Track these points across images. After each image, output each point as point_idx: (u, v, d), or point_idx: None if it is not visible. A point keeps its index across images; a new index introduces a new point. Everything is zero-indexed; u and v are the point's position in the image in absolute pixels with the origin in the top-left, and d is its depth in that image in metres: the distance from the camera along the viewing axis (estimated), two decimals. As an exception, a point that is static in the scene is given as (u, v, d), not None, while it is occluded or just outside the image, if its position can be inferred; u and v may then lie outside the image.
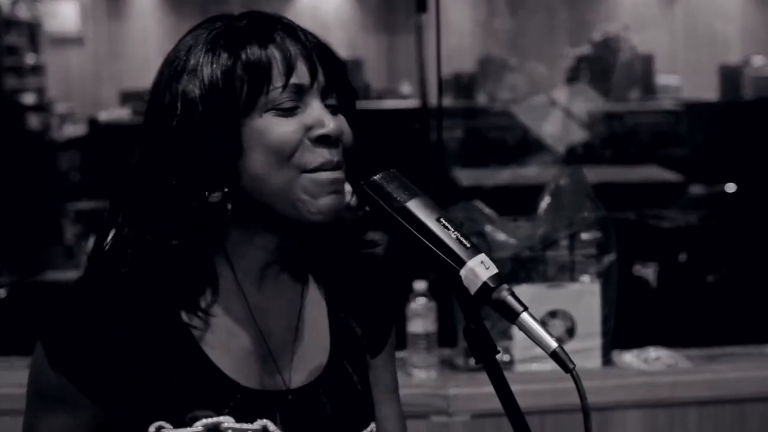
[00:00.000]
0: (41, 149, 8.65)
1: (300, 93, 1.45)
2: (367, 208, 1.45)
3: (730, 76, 7.45)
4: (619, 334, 3.11)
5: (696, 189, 5.48)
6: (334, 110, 1.50)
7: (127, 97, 9.81)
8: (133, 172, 1.48)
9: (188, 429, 1.46)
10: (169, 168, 1.44)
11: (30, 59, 10.55)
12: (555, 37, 8.64)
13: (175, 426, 1.46)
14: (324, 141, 1.46)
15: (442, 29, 3.66)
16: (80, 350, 1.45)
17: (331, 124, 1.46)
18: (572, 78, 6.68)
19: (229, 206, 1.45)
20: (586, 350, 3.01)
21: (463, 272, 1.38)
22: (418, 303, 2.94)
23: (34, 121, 9.46)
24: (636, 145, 6.26)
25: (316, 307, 1.61)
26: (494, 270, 1.39)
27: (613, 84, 6.76)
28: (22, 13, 10.59)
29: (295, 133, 1.44)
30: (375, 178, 1.44)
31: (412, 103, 7.76)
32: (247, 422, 1.49)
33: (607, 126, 6.09)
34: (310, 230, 1.51)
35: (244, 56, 1.44)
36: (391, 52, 11.63)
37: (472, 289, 1.38)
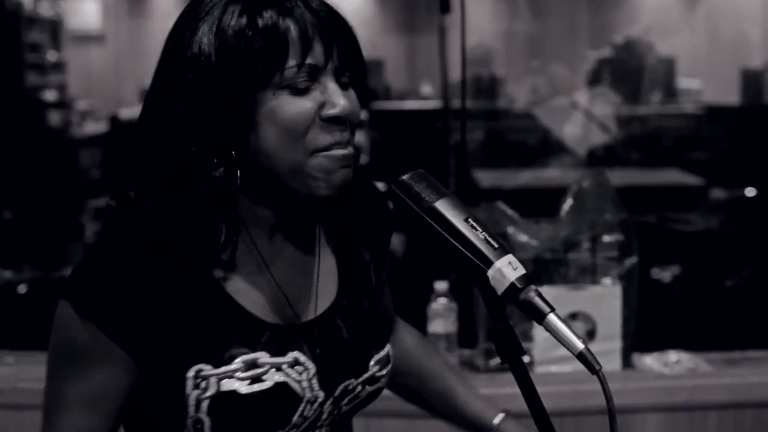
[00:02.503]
0: (62, 146, 8.68)
1: (314, 73, 1.47)
2: (394, 207, 1.47)
3: (752, 80, 7.43)
4: (640, 336, 3.10)
5: (717, 193, 5.46)
6: (346, 86, 1.52)
7: (148, 95, 9.81)
8: (139, 134, 1.50)
9: (229, 367, 1.48)
10: (179, 131, 1.46)
11: (51, 56, 10.60)
12: (576, 39, 8.63)
13: (215, 366, 1.48)
14: (335, 121, 1.48)
15: (466, 31, 3.66)
16: (108, 297, 1.44)
17: (341, 102, 1.48)
18: (594, 81, 6.67)
19: (239, 174, 1.47)
20: (607, 352, 3.00)
21: (490, 273, 1.38)
22: (439, 303, 2.95)
23: (55, 118, 9.50)
24: (657, 149, 6.25)
25: (325, 249, 1.66)
26: (522, 271, 1.39)
27: (641, 88, 6.74)
28: (44, 10, 10.64)
29: (307, 113, 1.46)
30: (403, 178, 1.44)
31: (433, 104, 7.76)
32: (279, 356, 1.52)
33: (629, 129, 6.08)
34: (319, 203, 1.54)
35: (260, 22, 1.44)
36: (411, 53, 11.63)
37: (500, 290, 1.38)
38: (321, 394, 1.55)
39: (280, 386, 1.51)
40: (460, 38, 3.56)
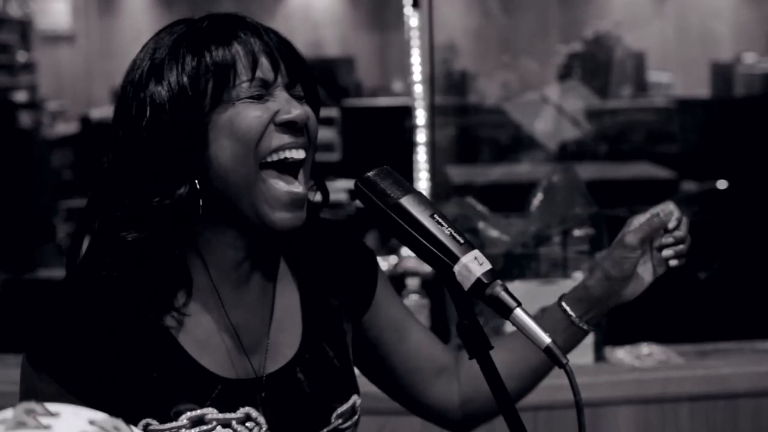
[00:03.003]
0: (33, 147, 8.63)
1: (266, 86, 1.49)
2: (361, 204, 1.47)
3: (722, 74, 7.46)
4: (612, 330, 3.10)
5: (688, 186, 5.47)
6: (300, 99, 1.53)
7: (119, 95, 9.78)
8: (105, 174, 1.51)
9: (174, 423, 1.48)
10: (139, 168, 1.47)
11: (21, 57, 10.54)
12: (547, 34, 8.64)
13: (161, 422, 1.48)
14: (289, 126, 1.49)
15: (434, 27, 3.66)
16: (61, 348, 1.47)
17: (296, 110, 1.49)
18: (564, 75, 6.68)
19: (200, 201, 1.48)
20: (579, 346, 2.99)
21: (456, 268, 1.38)
22: (411, 300, 2.95)
23: (25, 119, 9.45)
24: (628, 142, 6.26)
25: (289, 294, 1.64)
26: (488, 266, 1.39)
27: (609, 81, 6.76)
28: (14, 10, 10.58)
29: (261, 118, 1.48)
30: (369, 174, 1.45)
31: (404, 100, 7.76)
32: (230, 411, 1.51)
33: (600, 123, 6.09)
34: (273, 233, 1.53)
35: (208, 57, 1.47)
36: (382, 50, 11.64)
37: (466, 285, 1.38)
38: None
39: None
40: (428, 34, 3.56)
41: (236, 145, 1.47)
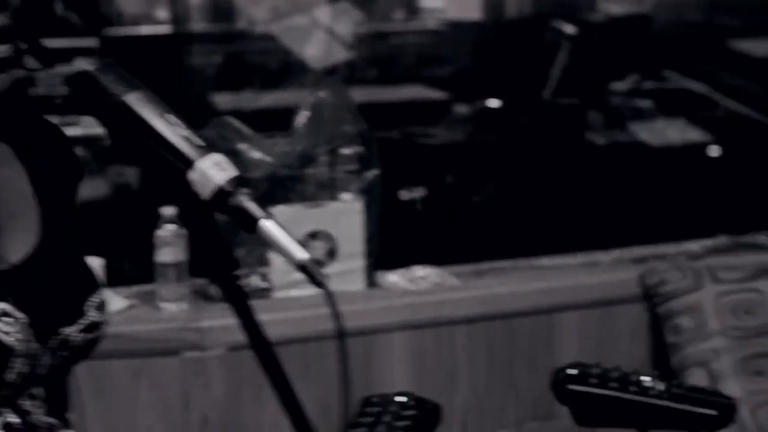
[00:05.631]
0: None
1: None
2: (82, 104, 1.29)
3: (493, -3, 7.51)
4: (384, 255, 3.03)
5: (460, 108, 5.48)
6: None
7: None
8: None
9: None
10: None
11: None
12: (316, -42, 8.53)
13: None
14: None
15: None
16: None
17: None
18: (335, -2, 6.58)
19: None
20: (349, 272, 2.92)
21: (192, 175, 1.20)
22: (167, 230, 2.74)
23: None
24: (400, 66, 6.26)
25: (20, 180, 1.51)
26: (233, 172, 1.23)
27: (380, 4, 6.71)
28: None
29: None
30: (88, 69, 1.27)
31: (168, 28, 7.58)
32: None
33: (371, 47, 6.05)
34: None
35: None
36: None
37: (204, 194, 1.21)
38: (36, 347, 1.40)
39: None
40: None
41: None
